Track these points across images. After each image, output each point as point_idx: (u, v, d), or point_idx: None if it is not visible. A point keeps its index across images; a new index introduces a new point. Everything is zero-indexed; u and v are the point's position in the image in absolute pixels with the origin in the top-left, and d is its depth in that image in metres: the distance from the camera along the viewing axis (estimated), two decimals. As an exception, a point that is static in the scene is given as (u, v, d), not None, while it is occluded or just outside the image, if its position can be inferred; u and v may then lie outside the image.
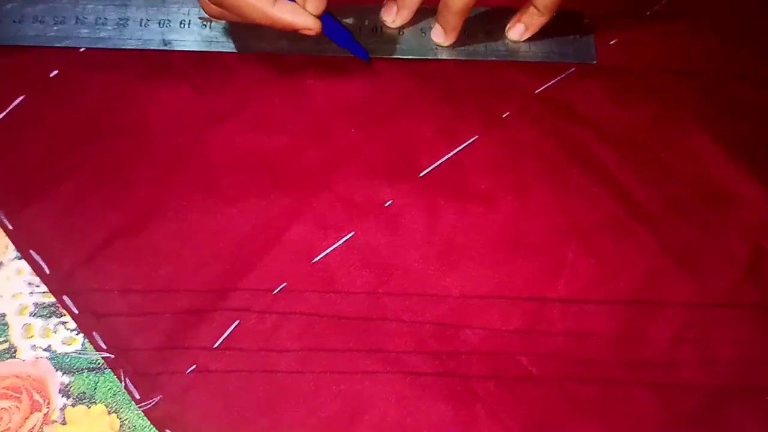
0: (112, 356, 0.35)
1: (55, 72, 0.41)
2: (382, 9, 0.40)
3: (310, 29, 0.36)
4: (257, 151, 0.39)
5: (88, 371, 0.35)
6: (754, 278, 0.36)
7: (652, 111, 0.39)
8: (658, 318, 0.36)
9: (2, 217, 0.37)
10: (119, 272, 0.37)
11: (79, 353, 0.36)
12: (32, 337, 0.36)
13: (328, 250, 0.37)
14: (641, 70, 0.40)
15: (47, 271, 0.37)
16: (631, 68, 0.40)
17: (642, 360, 0.35)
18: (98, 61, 0.41)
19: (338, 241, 0.37)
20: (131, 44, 0.41)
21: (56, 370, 0.35)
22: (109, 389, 0.35)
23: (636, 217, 0.37)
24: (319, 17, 0.37)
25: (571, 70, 0.40)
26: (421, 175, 0.38)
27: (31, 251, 0.37)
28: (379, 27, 0.40)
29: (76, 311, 0.36)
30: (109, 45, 0.41)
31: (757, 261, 0.36)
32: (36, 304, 0.37)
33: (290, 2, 0.36)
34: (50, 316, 0.36)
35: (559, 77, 0.39)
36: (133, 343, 0.35)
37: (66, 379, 0.35)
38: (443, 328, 0.36)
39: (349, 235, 0.37)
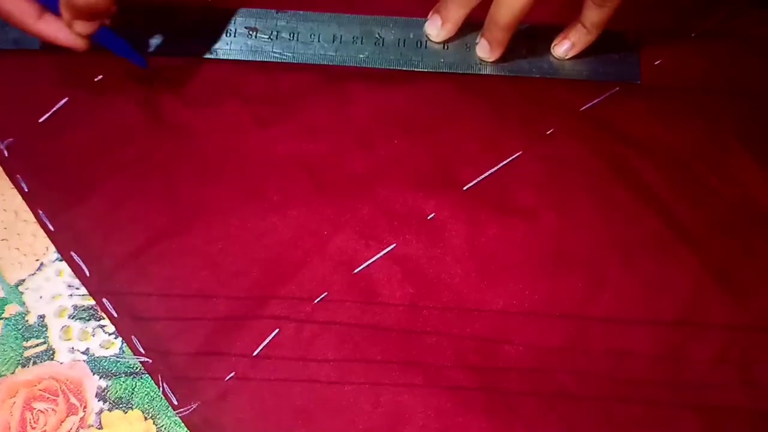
0: (150, 361, 0.35)
1: (100, 76, 0.41)
2: (427, 23, 0.40)
3: (75, 47, 0.37)
4: (300, 158, 0.39)
5: (126, 375, 0.35)
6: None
7: (697, 131, 0.39)
8: (701, 339, 0.35)
9: (44, 218, 0.37)
10: (159, 275, 0.36)
11: (117, 357, 0.36)
12: (70, 339, 0.36)
13: (370, 261, 0.37)
14: (686, 91, 0.40)
15: (87, 273, 0.37)
16: (676, 88, 0.40)
17: (684, 381, 0.35)
18: (146, 71, 0.41)
19: (380, 252, 0.37)
20: (177, 52, 0.41)
21: (93, 374, 0.35)
22: (146, 394, 0.35)
23: (679, 236, 0.37)
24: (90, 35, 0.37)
25: (615, 89, 0.40)
26: (465, 188, 0.38)
27: (71, 253, 0.37)
28: (423, 41, 0.41)
29: (115, 314, 0.36)
30: (157, 53, 0.41)
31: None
32: (75, 307, 0.36)
33: (57, 19, 0.36)
34: (89, 319, 0.36)
35: (603, 96, 0.39)
36: (172, 348, 0.35)
37: (103, 383, 0.35)
38: (484, 342, 0.36)
39: (391, 246, 0.37)
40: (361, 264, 0.37)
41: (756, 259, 0.36)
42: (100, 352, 0.36)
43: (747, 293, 0.36)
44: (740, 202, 0.38)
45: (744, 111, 0.39)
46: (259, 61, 0.41)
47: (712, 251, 0.37)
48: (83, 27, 0.36)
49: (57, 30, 0.37)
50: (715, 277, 0.36)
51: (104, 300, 0.36)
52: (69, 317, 0.36)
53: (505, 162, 0.38)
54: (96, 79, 0.41)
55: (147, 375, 0.35)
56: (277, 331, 0.36)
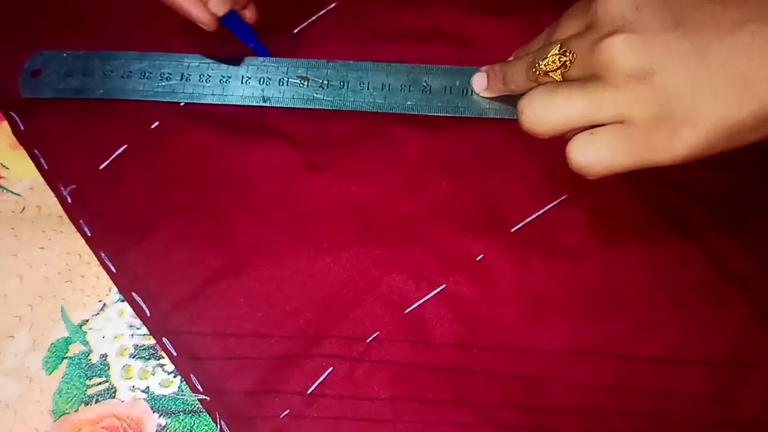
0: (208, 399, 0.36)
1: (157, 123, 0.43)
2: (473, 78, 0.41)
3: (204, 24, 0.40)
4: (349, 201, 0.40)
5: (185, 414, 0.36)
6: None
7: (741, 174, 0.39)
8: (750, 380, 0.36)
9: (106, 259, 0.39)
10: (216, 315, 0.38)
11: (176, 395, 0.37)
12: (131, 378, 0.37)
13: (421, 301, 0.38)
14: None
15: (148, 314, 0.38)
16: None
17: (734, 422, 0.35)
18: (198, 113, 0.43)
19: (430, 292, 0.38)
20: (231, 100, 0.43)
21: (153, 412, 0.36)
22: (204, 432, 0.36)
23: (726, 278, 0.37)
24: (223, 17, 0.40)
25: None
26: (513, 230, 0.39)
27: (132, 293, 0.38)
28: (468, 89, 0.42)
29: (175, 353, 0.37)
30: (212, 101, 0.43)
31: None
32: (136, 346, 0.38)
33: None
34: (149, 358, 0.37)
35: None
36: (228, 386, 0.36)
37: (163, 420, 0.36)
38: (532, 382, 0.36)
39: (441, 287, 0.38)
40: (412, 304, 0.38)
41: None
42: (159, 391, 0.37)
43: (795, 334, 0.36)
44: (785, 245, 0.38)
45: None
46: (310, 108, 0.42)
47: (759, 293, 0.37)
48: (218, 6, 0.39)
49: (190, 2, 0.39)
50: (763, 318, 0.36)
51: (164, 339, 0.37)
52: (130, 356, 0.37)
53: (551, 204, 0.39)
54: (152, 126, 0.42)
55: (205, 413, 0.36)
56: (330, 369, 0.36)
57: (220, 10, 0.40)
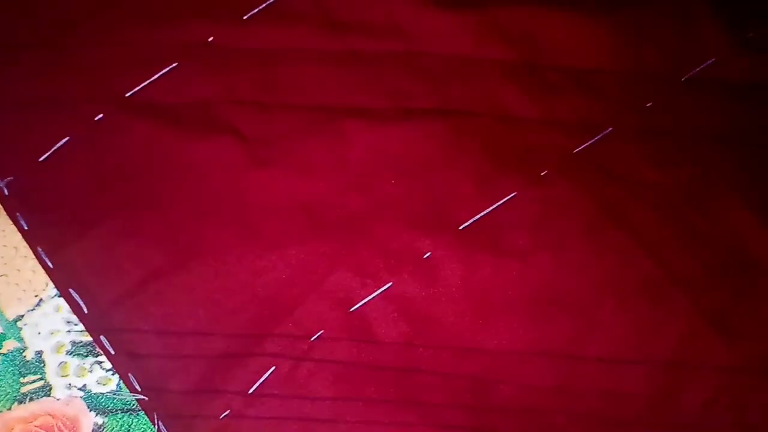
0: (146, 398, 0.35)
1: (101, 116, 0.41)
2: None
3: None
4: (296, 198, 0.39)
5: (122, 412, 0.35)
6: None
7: (688, 175, 0.39)
8: (693, 381, 0.36)
9: (43, 254, 0.38)
10: (156, 313, 0.37)
11: (114, 394, 0.36)
12: (67, 375, 0.36)
13: (366, 300, 0.37)
14: (677, 134, 0.40)
15: (85, 310, 0.37)
16: (667, 132, 0.40)
17: (676, 423, 0.35)
18: (144, 105, 0.42)
19: (376, 291, 0.37)
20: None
21: (90, 411, 0.35)
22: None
23: (672, 279, 0.37)
24: None
25: (609, 130, 0.40)
26: (461, 228, 0.38)
27: (70, 289, 0.37)
28: None
29: (113, 351, 0.36)
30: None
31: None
32: (73, 343, 0.37)
33: None
34: (87, 355, 0.36)
35: (597, 137, 0.40)
36: (168, 385, 0.35)
37: (100, 419, 0.35)
38: (478, 382, 0.36)
39: (387, 285, 0.37)
40: (358, 303, 0.37)
41: (747, 304, 0.37)
42: (97, 389, 0.36)
43: (739, 337, 0.36)
44: (731, 247, 0.38)
45: (734, 157, 0.39)
46: (258, 101, 0.41)
47: (705, 295, 0.37)
48: None
49: None
50: (707, 319, 0.37)
51: (101, 337, 0.36)
52: (67, 353, 0.36)
53: (500, 202, 0.39)
54: (96, 119, 0.41)
55: (143, 412, 0.35)
56: (273, 368, 0.36)
57: None
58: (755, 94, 0.41)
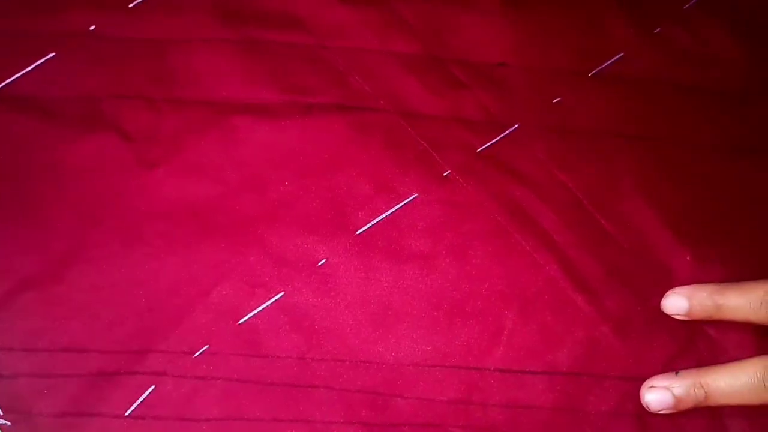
0: (9, 423, 0.32)
1: (-29, 109, 0.38)
2: (666, 300, 0.36)
3: None
4: (184, 201, 0.37)
5: (-17, 440, 0.32)
6: (690, 353, 0.35)
7: (593, 174, 0.38)
8: (597, 390, 0.35)
9: None
10: (24, 327, 0.34)
11: (-26, 419, 0.33)
12: None
13: (256, 311, 0.35)
14: (583, 132, 0.39)
15: (-57, 326, 0.34)
16: (573, 129, 0.39)
17: (581, 434, 0.34)
18: (22, 98, 0.38)
19: (267, 301, 0.35)
20: None
21: (-54, 438, 0.32)
22: (5, 460, 0.32)
23: (576, 284, 0.36)
24: None
25: (514, 127, 0.39)
26: (358, 232, 0.36)
27: (-75, 302, 0.34)
28: None
29: (-27, 371, 0.33)
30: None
31: (692, 336, 0.35)
32: (-72, 363, 0.33)
33: None
34: (-57, 377, 0.33)
35: (501, 135, 0.38)
36: (35, 408, 0.33)
37: (-43, 448, 0.32)
38: (375, 396, 0.34)
39: (279, 295, 0.35)
40: (247, 314, 0.35)
41: (651, 309, 0.36)
42: (-46, 414, 0.33)
43: (642, 345, 0.35)
44: (635, 250, 0.37)
45: (639, 155, 0.38)
46: (144, 96, 0.38)
47: (609, 301, 0.36)
48: None
49: None
50: (611, 326, 0.35)
51: (-39, 355, 0.33)
52: None
53: (399, 205, 0.37)
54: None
55: (7, 439, 0.32)
56: (152, 388, 0.33)
57: None
58: (662, 89, 0.40)
